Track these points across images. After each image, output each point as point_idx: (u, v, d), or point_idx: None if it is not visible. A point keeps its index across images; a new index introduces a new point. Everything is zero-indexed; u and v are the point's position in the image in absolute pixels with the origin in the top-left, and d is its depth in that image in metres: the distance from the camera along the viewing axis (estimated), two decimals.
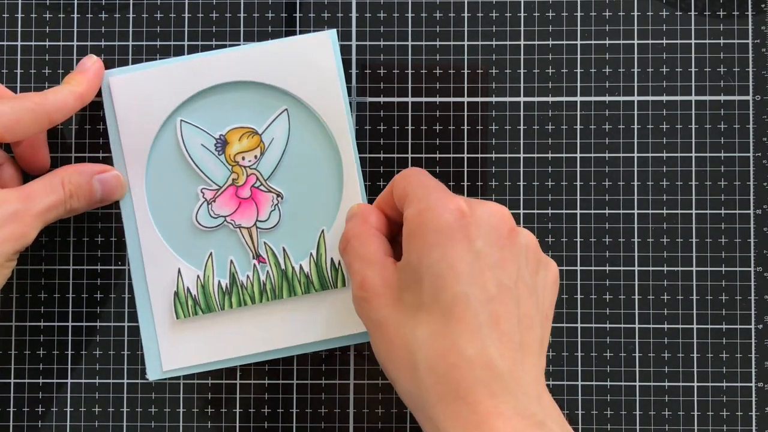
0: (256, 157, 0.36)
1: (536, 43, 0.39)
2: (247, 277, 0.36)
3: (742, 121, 0.38)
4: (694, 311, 0.38)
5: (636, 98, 0.38)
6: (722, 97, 0.38)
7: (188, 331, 0.36)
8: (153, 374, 0.36)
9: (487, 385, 0.26)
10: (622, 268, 0.38)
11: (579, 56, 0.38)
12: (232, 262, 0.36)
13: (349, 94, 0.38)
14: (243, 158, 0.36)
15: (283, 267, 0.36)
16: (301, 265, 0.36)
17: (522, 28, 0.39)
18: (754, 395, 0.38)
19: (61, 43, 0.39)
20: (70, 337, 0.38)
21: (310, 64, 0.36)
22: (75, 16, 0.39)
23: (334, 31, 0.36)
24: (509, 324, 0.27)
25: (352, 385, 0.38)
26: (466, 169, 0.38)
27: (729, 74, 0.39)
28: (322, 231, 0.36)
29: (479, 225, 0.28)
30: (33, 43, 0.39)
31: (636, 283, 0.38)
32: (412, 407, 0.29)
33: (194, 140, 0.36)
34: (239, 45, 0.37)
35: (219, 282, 0.36)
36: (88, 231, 0.38)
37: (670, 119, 0.38)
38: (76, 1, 0.39)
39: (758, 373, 0.38)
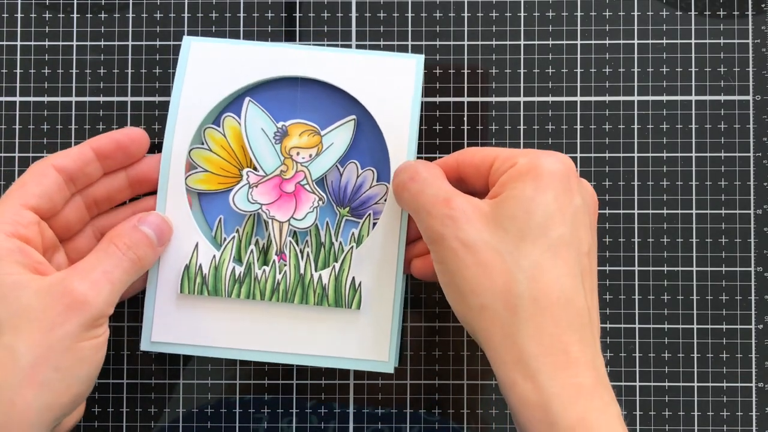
0: (310, 155, 0.35)
1: (536, 43, 0.39)
2: (264, 271, 0.35)
3: (742, 121, 0.38)
4: (694, 311, 0.38)
5: (636, 98, 0.38)
6: (722, 97, 0.38)
7: (188, 309, 0.35)
8: (144, 344, 0.35)
9: (578, 330, 0.28)
10: (622, 268, 0.38)
11: (579, 56, 0.38)
12: (252, 252, 0.35)
13: None
14: (298, 153, 0.35)
15: (302, 272, 0.35)
16: (320, 275, 0.35)
17: (522, 28, 0.39)
18: (754, 395, 0.38)
19: (61, 43, 0.39)
20: None
21: (390, 83, 0.35)
22: (75, 16, 0.39)
23: (422, 57, 0.36)
24: (592, 283, 0.30)
25: (352, 385, 0.38)
26: None
27: (729, 74, 0.39)
28: (351, 247, 0.35)
29: (581, 185, 0.31)
30: (33, 43, 0.39)
31: (636, 283, 0.38)
32: (495, 330, 0.29)
33: (255, 122, 0.35)
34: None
35: (234, 268, 0.35)
36: None
37: (670, 119, 0.38)
38: (75, 1, 0.39)
39: (758, 373, 0.38)
